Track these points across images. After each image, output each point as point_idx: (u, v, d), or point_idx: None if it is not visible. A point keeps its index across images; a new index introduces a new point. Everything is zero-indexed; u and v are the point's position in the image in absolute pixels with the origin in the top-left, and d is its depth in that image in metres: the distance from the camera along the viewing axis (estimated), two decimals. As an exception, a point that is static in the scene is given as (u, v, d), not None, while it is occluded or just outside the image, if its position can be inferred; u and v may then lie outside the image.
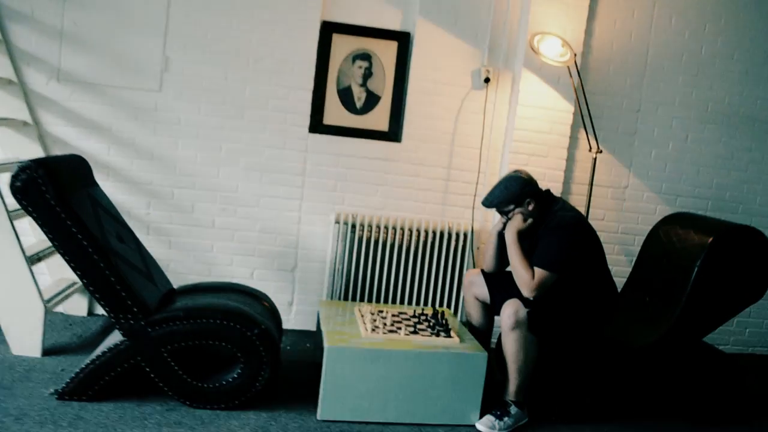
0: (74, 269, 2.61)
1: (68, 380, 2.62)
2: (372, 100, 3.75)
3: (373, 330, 2.81)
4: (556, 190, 3.68)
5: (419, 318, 3.05)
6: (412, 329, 2.85)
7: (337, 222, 3.65)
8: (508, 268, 2.82)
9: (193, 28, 3.60)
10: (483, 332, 3.10)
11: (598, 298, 2.80)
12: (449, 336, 2.82)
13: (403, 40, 3.73)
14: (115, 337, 2.71)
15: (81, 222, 2.58)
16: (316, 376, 2.69)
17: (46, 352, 3.03)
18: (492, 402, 2.77)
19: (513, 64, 3.78)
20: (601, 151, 3.56)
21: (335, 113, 3.74)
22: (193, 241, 3.75)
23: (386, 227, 3.69)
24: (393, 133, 3.78)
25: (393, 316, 3.06)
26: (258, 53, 3.65)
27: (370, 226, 3.68)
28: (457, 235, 3.75)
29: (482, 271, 3.10)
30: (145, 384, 2.68)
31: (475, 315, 3.13)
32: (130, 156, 3.65)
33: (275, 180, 3.74)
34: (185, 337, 2.65)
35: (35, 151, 3.49)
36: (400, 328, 2.86)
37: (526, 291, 2.67)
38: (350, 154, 3.77)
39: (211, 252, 3.77)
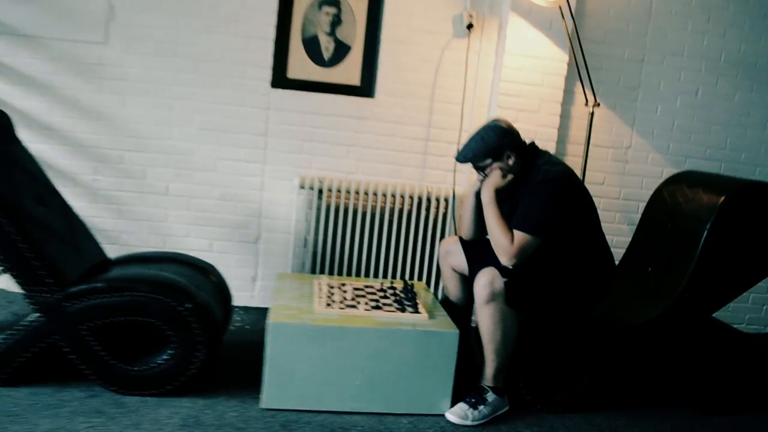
0: (-25, 234, 2.25)
1: (-26, 363, 2.28)
2: (341, 50, 3.34)
3: (329, 305, 2.43)
4: (550, 150, 3.25)
5: (386, 292, 2.67)
6: (374, 304, 2.47)
7: (302, 187, 3.27)
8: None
9: (137, -31, 3.20)
10: (462, 308, 2.72)
11: (590, 267, 2.40)
12: (417, 311, 2.44)
13: (375, -18, 3.31)
14: (31, 314, 2.35)
15: (-19, 180, 2.22)
16: (264, 359, 2.33)
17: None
18: (467, 388, 2.39)
19: (499, 7, 3.35)
20: (598, 104, 3.14)
21: (300, 66, 3.33)
22: (146, 210, 3.38)
23: (358, 192, 3.30)
24: (365, 88, 3.37)
25: (356, 289, 2.68)
26: (212, -1, 3.26)
27: (339, 191, 3.29)
28: (438, 200, 3.36)
29: (460, 239, 2.71)
30: (68, 367, 2.33)
31: (453, 289, 2.75)
32: (74, 116, 3.28)
33: (234, 141, 3.36)
34: (107, 312, 2.29)
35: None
36: (360, 303, 2.48)
37: (505, 258, 2.28)
38: (317, 111, 3.37)
39: (165, 222, 3.41)
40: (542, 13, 3.21)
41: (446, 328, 2.36)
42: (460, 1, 3.35)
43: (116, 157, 3.33)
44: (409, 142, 3.43)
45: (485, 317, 2.29)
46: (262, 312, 3.37)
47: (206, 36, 3.28)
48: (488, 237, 2.41)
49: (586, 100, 3.17)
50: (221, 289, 2.70)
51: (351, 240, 3.34)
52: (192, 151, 3.36)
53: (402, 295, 2.63)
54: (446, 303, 2.77)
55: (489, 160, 2.41)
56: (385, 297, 2.61)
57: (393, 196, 3.32)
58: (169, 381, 2.33)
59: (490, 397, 2.35)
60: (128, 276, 2.38)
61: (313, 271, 3.35)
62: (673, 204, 2.65)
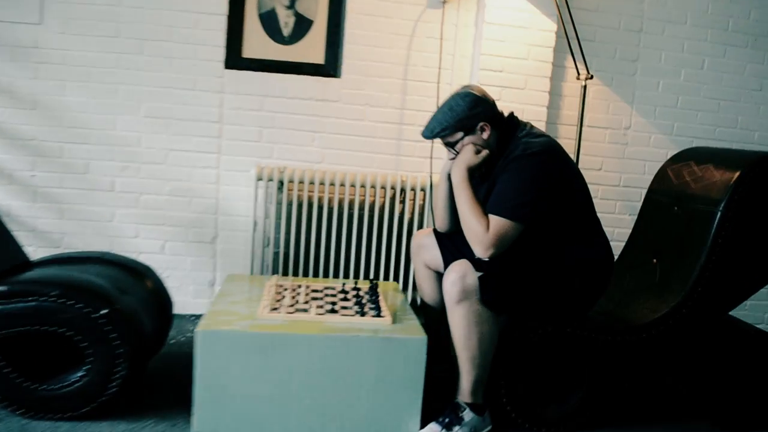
0: None
1: None
2: (302, 25, 2.99)
3: (274, 309, 2.06)
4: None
5: (347, 293, 2.29)
6: (330, 307, 2.10)
7: (260, 179, 2.90)
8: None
9: (71, -62, 2.86)
10: (440, 312, 2.32)
11: (582, 257, 2.02)
12: (379, 315, 2.06)
13: (338, -53, 2.96)
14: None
15: None
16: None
17: None
18: (440, 405, 2.01)
19: (478, -28, 3.00)
20: (591, 77, 2.77)
21: (257, 43, 2.98)
22: (90, 209, 3.03)
23: (323, 183, 2.93)
24: (330, 67, 3.01)
25: (313, 291, 2.31)
26: (157, -30, 2.91)
27: (301, 182, 2.92)
28: (414, 191, 2.98)
29: (435, 231, 2.34)
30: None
31: (428, 289, 2.38)
32: (7, 105, 2.94)
33: (186, 129, 3.00)
34: (9, 321, 1.94)
35: None
36: (313, 307, 2.11)
37: (479, 248, 1.90)
38: (278, 93, 3.01)
39: (111, 222, 3.05)
40: (525, -23, 2.85)
41: (413, 333, 1.98)
42: (433, -34, 3.00)
43: (55, 150, 2.98)
44: (380, 127, 3.07)
45: (457, 320, 1.91)
46: (219, 320, 3.00)
47: (152, 13, 2.93)
48: (464, 226, 2.03)
49: (578, 73, 2.80)
50: (157, 294, 2.34)
51: (317, 237, 2.98)
52: (139, 142, 3.00)
53: (365, 296, 2.26)
54: (423, 306, 2.41)
55: (460, 134, 2.04)
56: (345, 299, 2.24)
57: (363, 186, 2.95)
58: (85, 402, 1.97)
59: (468, 415, 1.97)
60: (35, 278, 2.02)
61: (275, 273, 2.99)
62: (679, 184, 2.27)
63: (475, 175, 2.15)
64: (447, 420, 1.96)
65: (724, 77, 3.20)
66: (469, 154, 2.02)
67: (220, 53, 2.97)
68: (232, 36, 2.96)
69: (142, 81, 2.97)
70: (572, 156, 2.82)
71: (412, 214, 3.01)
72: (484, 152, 2.04)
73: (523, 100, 2.92)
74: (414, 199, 2.99)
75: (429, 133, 2.08)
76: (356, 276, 3.00)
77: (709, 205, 2.07)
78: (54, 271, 2.11)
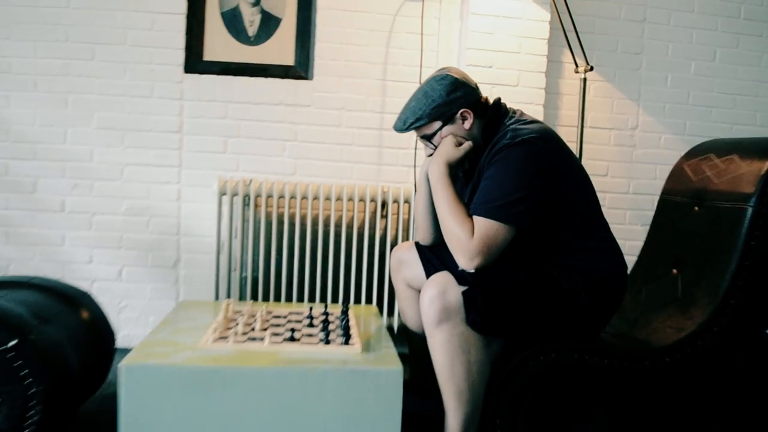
0: None
1: None
2: (270, 23, 2.71)
3: (222, 338, 1.72)
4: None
5: (313, 318, 1.95)
6: (289, 335, 1.76)
7: (224, 193, 2.58)
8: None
9: (12, -66, 2.61)
10: (425, 339, 1.98)
11: (588, 267, 1.67)
12: (347, 343, 1.72)
13: (307, -62, 2.69)
14: None
15: None
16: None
17: None
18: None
19: (461, -41, 2.73)
20: (591, 68, 2.46)
21: (220, 44, 2.70)
22: (38, 232, 2.72)
23: (295, 197, 2.61)
24: (301, 68, 2.72)
25: (275, 317, 1.98)
26: (108, -33, 2.65)
27: (270, 196, 2.60)
28: (398, 203, 2.66)
29: (417, 244, 2.01)
30: None
31: (411, 312, 2.04)
32: (-54, 119, 2.65)
33: (142, 141, 2.70)
34: None
35: None
36: (274, 334, 1.77)
37: (464, 258, 1.57)
38: (243, 99, 2.72)
39: (62, 246, 2.73)
40: (514, -38, 2.57)
41: (387, 364, 1.64)
42: (412, -45, 2.72)
43: (0, 168, 2.68)
44: (359, 133, 2.76)
45: (438, 346, 1.57)
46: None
47: (104, 14, 2.66)
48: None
49: (576, 65, 2.49)
50: (92, 324, 2.00)
51: (290, 258, 2.64)
52: (91, 157, 2.71)
53: (335, 322, 1.92)
54: (406, 333, 2.07)
55: (437, 124, 1.73)
56: (311, 325, 1.90)
57: (341, 200, 2.63)
58: (-10, 455, 1.62)
59: (456, 461, 1.61)
60: (-67, 307, 1.69)
61: (242, 299, 2.65)
62: (700, 181, 1.94)
63: (457, 172, 1.83)
64: (430, 469, 1.61)
65: (738, 69, 2.89)
66: (448, 146, 1.71)
67: (179, 56, 2.69)
68: (192, 37, 2.68)
69: (93, 89, 2.68)
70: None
71: (397, 229, 2.68)
72: (467, 144, 1.72)
73: (516, 98, 2.61)
74: (398, 213, 2.66)
75: (401, 125, 1.76)
76: (335, 300, 2.66)
77: (737, 201, 1.74)
78: (-39, 299, 1.78)
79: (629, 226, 2.86)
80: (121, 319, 2.76)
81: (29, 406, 1.61)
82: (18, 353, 1.60)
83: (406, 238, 2.68)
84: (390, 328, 2.66)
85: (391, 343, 1.81)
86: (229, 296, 2.62)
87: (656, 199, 2.62)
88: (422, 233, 1.97)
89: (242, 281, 2.65)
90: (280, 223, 2.64)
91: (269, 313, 2.03)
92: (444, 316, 1.53)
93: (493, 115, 1.73)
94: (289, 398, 1.58)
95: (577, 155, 2.52)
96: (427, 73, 2.72)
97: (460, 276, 1.55)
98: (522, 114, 1.75)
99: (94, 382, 1.97)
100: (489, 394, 1.63)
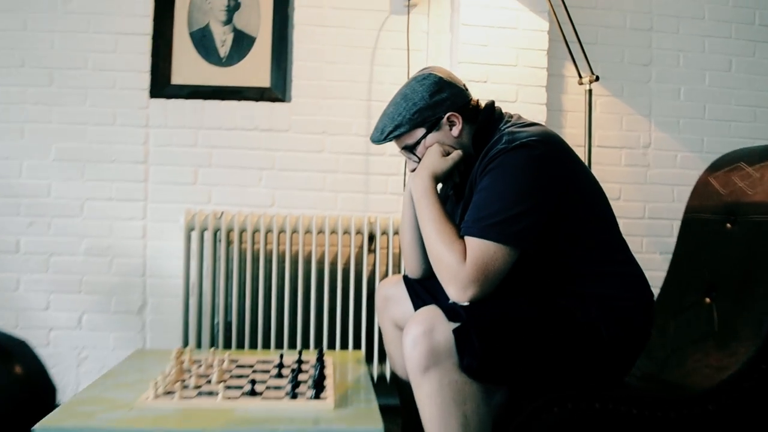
0: None
1: None
2: (243, 43, 2.49)
3: (168, 393, 1.43)
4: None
5: (282, 368, 1.65)
6: (249, 387, 1.46)
7: (192, 228, 2.31)
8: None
9: (-37, -46, 2.43)
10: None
11: (608, 296, 1.37)
12: (317, 397, 1.42)
13: (282, -49, 2.49)
14: None
15: None
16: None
17: None
18: None
19: (448, -32, 2.52)
20: (597, 78, 2.21)
21: (189, 66, 2.47)
22: (-10, 277, 2.44)
23: (271, 230, 2.33)
24: (277, 90, 2.49)
25: (239, 366, 1.69)
26: (68, -13, 2.45)
27: (243, 230, 2.32)
28: (387, 235, 2.38)
29: (405, 278, 1.72)
30: None
31: (399, 356, 1.74)
32: None
33: (105, 173, 2.46)
34: None
35: None
36: (232, 387, 1.47)
37: (455, 288, 1.28)
38: (215, 125, 2.48)
39: (16, 291, 2.46)
40: (506, -32, 2.36)
41: (364, 422, 1.33)
42: (395, -35, 2.52)
43: (-52, 207, 2.44)
44: (343, 159, 2.51)
45: (426, 398, 1.26)
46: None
47: (63, 37, 2.46)
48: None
49: (579, 76, 2.25)
50: (26, 381, 1.70)
51: (267, 299, 2.35)
52: (49, 192, 2.46)
53: (309, 371, 1.62)
54: (395, 382, 1.76)
55: (421, 132, 1.46)
56: (279, 375, 1.60)
57: (322, 232, 2.35)
58: None
59: None
60: None
61: (213, 346, 2.35)
62: (731, 194, 1.67)
63: (447, 190, 1.56)
64: None
65: (756, 80, 2.64)
66: (434, 157, 1.44)
67: (145, 80, 2.46)
68: (159, 59, 2.46)
69: (51, 117, 2.45)
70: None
71: (387, 264, 2.39)
72: (455, 153, 1.45)
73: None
74: (387, 246, 2.38)
75: (378, 135, 1.50)
76: (318, 345, 2.35)
77: (780, 213, 1.46)
78: None
79: (647, 255, 2.57)
80: (81, 372, 2.46)
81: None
82: None
83: (397, 272, 2.39)
84: (382, 378, 2.35)
85: (372, 396, 1.51)
86: (199, 344, 2.32)
87: (675, 224, 2.36)
88: (411, 264, 1.69)
89: (214, 327, 2.35)
90: (256, 260, 2.36)
91: (233, 362, 1.73)
92: (432, 360, 1.23)
93: (486, 120, 1.47)
94: (245, 468, 1.27)
95: (585, 176, 2.25)
96: (416, 91, 2.48)
97: (451, 310, 1.26)
98: (520, 117, 1.48)
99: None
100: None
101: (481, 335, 1.23)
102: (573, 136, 2.54)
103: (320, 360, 1.61)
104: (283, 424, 1.30)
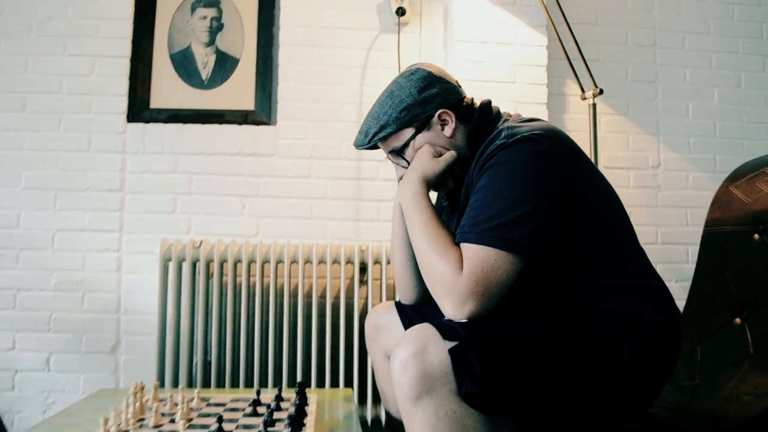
0: None
1: None
2: (226, 64, 2.37)
3: (120, 433, 1.23)
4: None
5: (257, 406, 1.45)
6: (216, 427, 1.26)
7: (169, 259, 2.14)
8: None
9: (-65, -24, 2.34)
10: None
11: (628, 312, 1.18)
12: (294, 435, 1.22)
13: (267, -29, 2.40)
14: None
15: None
16: None
17: None
18: None
19: (440, -16, 2.42)
20: (601, 92, 2.07)
21: (169, 89, 2.35)
22: (-48, 315, 2.26)
23: (254, 261, 2.15)
24: (262, 112, 2.35)
25: (210, 405, 1.49)
26: (44, 11, 2.36)
27: (224, 261, 2.15)
28: (380, 263, 2.20)
29: (398, 304, 1.54)
30: None
31: (392, 393, 1.53)
32: None
33: (78, 203, 2.30)
34: None
35: None
36: (197, 426, 1.27)
37: (450, 302, 1.10)
38: (196, 150, 2.33)
39: (-20, 330, 2.26)
40: (501, -18, 2.25)
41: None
42: (385, -17, 2.42)
43: None
44: (332, 185, 2.35)
45: (419, 430, 1.06)
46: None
47: (37, 60, 2.34)
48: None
49: (582, 90, 2.11)
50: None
51: (249, 335, 2.15)
52: (18, 222, 2.30)
53: (289, 410, 1.42)
54: (389, 421, 1.56)
55: (409, 132, 1.31)
56: (253, 414, 1.41)
57: (310, 262, 2.17)
58: None
59: None
60: None
61: (191, 386, 2.13)
62: (757, 201, 1.50)
63: (440, 198, 1.40)
64: None
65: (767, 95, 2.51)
66: (424, 158, 1.28)
67: (122, 104, 2.34)
68: (137, 82, 2.34)
69: (23, 144, 2.31)
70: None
71: (380, 296, 2.21)
72: (448, 154, 1.29)
73: (513, 134, 2.20)
74: (381, 277, 2.20)
75: (362, 138, 1.35)
76: (308, 383, 2.15)
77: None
78: None
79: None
80: (48, 418, 2.23)
81: None
82: None
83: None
84: (376, 421, 2.13)
85: (359, 435, 1.31)
86: (176, 385, 2.11)
87: (691, 249, 2.20)
88: (403, 287, 1.51)
89: (193, 367, 2.15)
90: (238, 293, 2.17)
91: (204, 400, 1.53)
92: (425, 386, 1.03)
93: (482, 119, 1.32)
94: None
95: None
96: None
97: (447, 328, 1.07)
98: (519, 115, 1.33)
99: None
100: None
101: (483, 356, 1.04)
102: (577, 157, 2.38)
103: (301, 394, 1.41)
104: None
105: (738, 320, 1.43)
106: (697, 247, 1.84)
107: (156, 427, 1.28)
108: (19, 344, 2.27)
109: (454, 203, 1.37)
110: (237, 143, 2.34)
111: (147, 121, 2.33)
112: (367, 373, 2.16)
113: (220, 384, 2.13)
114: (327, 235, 2.33)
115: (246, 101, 2.35)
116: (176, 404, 1.46)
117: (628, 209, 2.28)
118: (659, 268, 2.41)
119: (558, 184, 1.13)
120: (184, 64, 2.36)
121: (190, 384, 2.12)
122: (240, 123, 2.34)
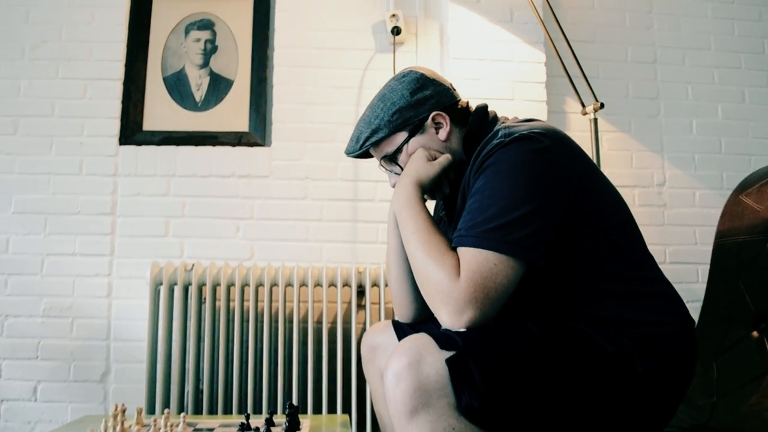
0: None
1: None
2: (220, 87, 2.34)
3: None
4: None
5: (245, 431, 1.36)
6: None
7: (160, 283, 2.07)
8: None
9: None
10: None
11: (640, 322, 1.09)
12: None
13: (262, -7, 2.39)
14: None
15: None
16: None
17: None
18: None
19: (435, 3, 2.40)
20: (602, 106, 2.02)
21: (162, 112, 2.31)
22: (-64, 344, 2.18)
23: (248, 284, 2.08)
24: (257, 133, 2.31)
25: (195, 430, 1.40)
26: (37, 35, 2.34)
27: (216, 284, 2.08)
28: (378, 286, 2.12)
29: (395, 323, 1.46)
30: None
31: (390, 417, 1.44)
32: None
33: (68, 227, 2.25)
34: None
35: None
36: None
37: (447, 311, 1.03)
38: (189, 172, 2.29)
39: (-35, 360, 2.18)
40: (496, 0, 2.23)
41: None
42: (379, 3, 2.40)
43: None
44: (328, 207, 2.29)
45: (413, 451, 0.98)
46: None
47: (29, 83, 2.31)
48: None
49: (582, 105, 2.07)
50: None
51: (242, 362, 2.07)
52: (7, 247, 2.24)
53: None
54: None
55: (402, 136, 1.25)
56: (241, 439, 1.32)
57: (306, 285, 2.10)
58: None
59: None
60: None
61: (183, 412, 2.04)
62: (765, 210, 1.43)
63: (437, 208, 1.34)
64: None
65: (774, 111, 2.46)
66: (418, 162, 1.22)
67: (114, 126, 2.30)
68: (130, 105, 2.30)
69: (13, 168, 2.27)
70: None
71: (379, 319, 2.12)
72: (443, 158, 1.23)
73: (513, 152, 2.15)
74: (379, 301, 2.12)
75: (354, 144, 1.29)
76: (303, 410, 2.05)
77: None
78: None
79: (670, 305, 2.29)
80: (32, 451, 2.15)
81: None
82: None
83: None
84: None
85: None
86: (165, 409, 2.02)
87: (701, 268, 2.13)
88: (400, 304, 1.43)
89: (184, 395, 2.06)
90: (231, 318, 2.10)
91: (190, 425, 1.45)
92: (421, 399, 0.95)
93: (478, 122, 1.27)
94: None
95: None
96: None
97: (444, 337, 1.00)
98: (516, 118, 1.27)
99: None
100: None
101: (483, 367, 0.97)
102: (579, 176, 2.33)
103: (291, 416, 1.32)
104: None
105: (755, 333, 1.35)
106: (707, 267, 1.78)
107: (135, 452, 1.20)
108: (6, 373, 2.19)
109: (450, 211, 1.31)
110: (231, 165, 2.29)
111: (140, 143, 2.29)
112: (366, 399, 2.06)
113: (213, 411, 2.04)
114: (323, 257, 2.26)
115: (240, 123, 2.31)
116: (159, 429, 1.37)
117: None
118: (668, 289, 2.32)
119: (559, 184, 1.07)
120: (177, 86, 2.33)
121: (182, 412, 2.02)
122: (234, 144, 2.30)
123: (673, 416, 1.12)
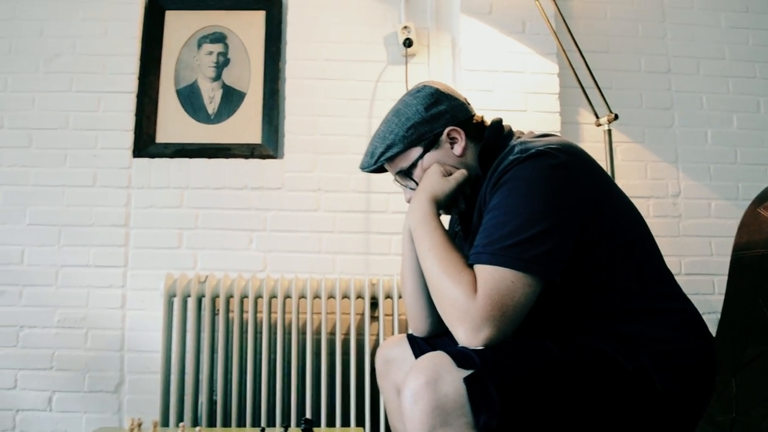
0: None
1: None
2: (232, 99, 2.35)
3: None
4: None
5: (261, 444, 1.36)
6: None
7: (173, 295, 2.07)
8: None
9: (-53, 16, 2.36)
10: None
11: (659, 339, 1.08)
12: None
13: (272, 7, 2.40)
14: None
15: None
16: None
17: None
18: None
19: (446, 15, 2.40)
20: (616, 117, 2.02)
21: (175, 124, 2.33)
22: (-48, 355, 2.20)
23: (261, 296, 2.09)
24: (269, 146, 2.32)
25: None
26: (51, 48, 2.36)
27: (230, 296, 2.08)
28: (391, 298, 2.12)
29: (410, 337, 1.46)
30: None
31: (404, 429, 1.43)
32: None
33: (82, 238, 2.26)
34: None
35: None
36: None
37: (464, 329, 1.02)
38: (202, 184, 2.29)
39: (-20, 370, 2.20)
40: (507, 11, 2.23)
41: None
42: (392, 15, 2.40)
43: None
44: (341, 218, 2.29)
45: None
46: None
47: (44, 97, 2.33)
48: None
49: (596, 116, 2.06)
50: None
51: (256, 374, 2.07)
52: (22, 258, 2.26)
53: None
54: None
55: (417, 152, 1.25)
56: (256, 454, 1.31)
57: (319, 297, 2.10)
58: None
59: None
60: None
61: (196, 425, 2.03)
62: (786, 222, 1.42)
63: (453, 223, 1.33)
64: None
65: (789, 121, 2.44)
66: (433, 177, 1.22)
67: (128, 139, 2.31)
68: (143, 117, 2.32)
69: (28, 180, 2.29)
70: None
71: (393, 332, 2.12)
72: (459, 173, 1.23)
73: (526, 163, 2.15)
74: (393, 312, 2.12)
75: (369, 160, 1.29)
76: (317, 423, 2.04)
77: None
78: None
79: (685, 317, 2.27)
80: (46, 463, 2.15)
81: None
82: None
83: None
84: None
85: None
86: (180, 421, 2.02)
87: (717, 280, 2.11)
88: (415, 319, 1.42)
89: (198, 406, 2.06)
90: (245, 330, 2.10)
91: (202, 441, 1.45)
92: (439, 419, 0.95)
93: (494, 137, 1.26)
94: None
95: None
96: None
97: (461, 355, 0.99)
98: (532, 132, 1.27)
99: None
100: None
101: (501, 386, 0.96)
102: (592, 186, 2.31)
103: (307, 431, 1.32)
104: None
105: (774, 349, 1.34)
106: (724, 278, 1.76)
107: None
108: (21, 383, 2.20)
109: (466, 227, 1.30)
110: (244, 177, 2.29)
111: (153, 156, 2.30)
112: (380, 412, 2.05)
113: (227, 423, 2.04)
114: (336, 269, 2.26)
115: (253, 135, 2.32)
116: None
117: (648, 238, 2.17)
118: (683, 300, 2.30)
119: (576, 200, 1.06)
120: (190, 99, 2.34)
121: (196, 424, 2.03)
122: (247, 157, 2.30)
123: (693, 430, 1.11)
